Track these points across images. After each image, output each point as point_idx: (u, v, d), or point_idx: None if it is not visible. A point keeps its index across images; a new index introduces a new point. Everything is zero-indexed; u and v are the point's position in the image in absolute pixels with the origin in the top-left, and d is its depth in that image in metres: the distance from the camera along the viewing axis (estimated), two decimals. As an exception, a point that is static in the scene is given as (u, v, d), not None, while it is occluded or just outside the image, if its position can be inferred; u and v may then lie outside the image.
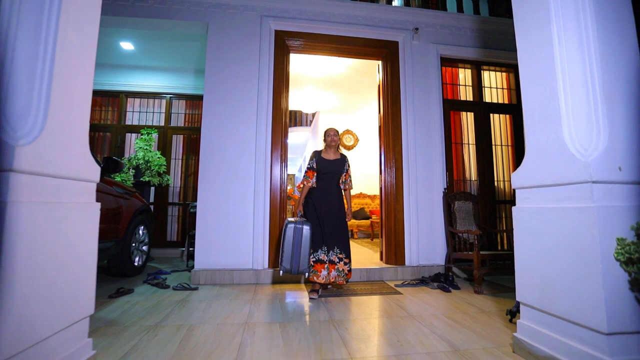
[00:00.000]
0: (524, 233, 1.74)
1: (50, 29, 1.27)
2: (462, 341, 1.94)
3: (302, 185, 3.13)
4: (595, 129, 1.45)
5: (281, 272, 2.79)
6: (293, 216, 3.13)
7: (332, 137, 3.13)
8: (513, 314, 2.20)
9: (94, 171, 1.55)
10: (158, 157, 4.90)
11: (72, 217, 1.39)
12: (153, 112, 5.69)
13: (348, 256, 2.98)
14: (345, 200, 3.17)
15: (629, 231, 1.35)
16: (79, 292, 1.43)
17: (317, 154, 3.16)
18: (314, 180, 3.10)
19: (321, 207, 3.00)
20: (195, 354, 1.73)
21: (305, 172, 3.14)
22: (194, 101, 5.76)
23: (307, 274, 2.83)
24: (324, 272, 2.86)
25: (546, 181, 1.60)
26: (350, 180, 3.22)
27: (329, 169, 3.09)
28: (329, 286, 3.22)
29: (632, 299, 1.33)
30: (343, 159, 3.18)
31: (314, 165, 3.11)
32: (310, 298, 2.86)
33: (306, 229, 2.84)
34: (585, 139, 1.47)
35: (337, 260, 2.91)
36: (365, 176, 8.35)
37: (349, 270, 2.97)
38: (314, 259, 2.90)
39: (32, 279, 1.16)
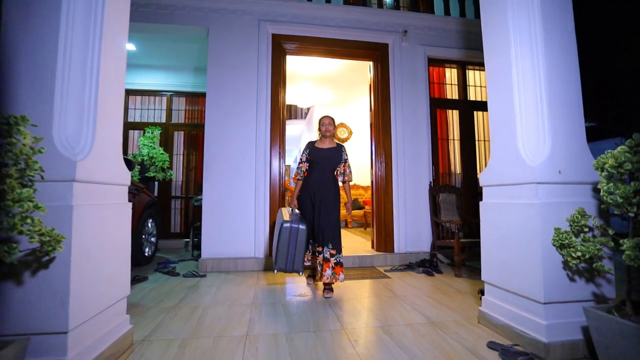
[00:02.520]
0: (488, 223, 2.08)
1: (94, 61, 1.54)
2: (438, 315, 2.29)
3: (296, 178, 3.04)
4: (541, 139, 1.78)
5: (275, 270, 2.78)
6: (289, 206, 3.09)
7: (327, 127, 2.97)
8: (484, 293, 2.55)
9: (126, 176, 1.84)
10: (161, 154, 5.15)
11: (112, 215, 1.68)
12: (154, 109, 5.91)
13: (339, 251, 2.83)
14: (345, 193, 3.08)
15: (564, 222, 1.68)
16: (119, 276, 1.74)
17: (310, 144, 3.03)
18: (305, 172, 3.00)
19: (315, 200, 2.88)
20: (212, 328, 2.06)
21: (299, 164, 3.04)
22: (194, 98, 5.98)
23: (300, 272, 2.81)
24: (318, 268, 2.85)
25: (504, 181, 1.93)
26: (350, 172, 3.02)
27: (323, 158, 2.94)
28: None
29: (564, 276, 1.67)
30: (339, 148, 3.00)
31: (307, 157, 2.99)
32: (307, 283, 3.15)
33: (302, 229, 2.77)
34: (533, 148, 1.79)
35: (329, 257, 2.79)
36: (358, 168, 8.64)
37: (337, 264, 2.80)
38: (311, 253, 2.99)
39: (90, 267, 1.46)
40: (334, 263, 2.80)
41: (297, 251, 2.77)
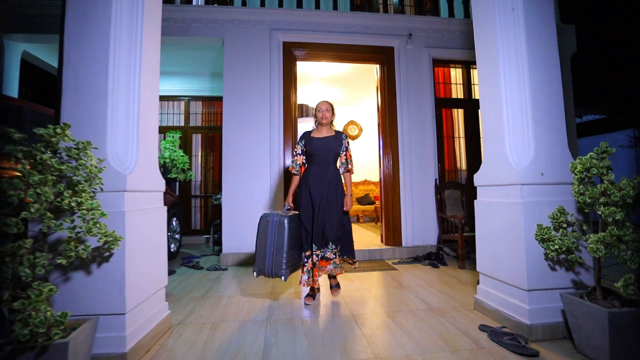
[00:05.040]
0: (481, 220, 2.30)
1: (135, 90, 1.83)
2: (438, 302, 2.53)
3: (292, 173, 2.70)
4: (526, 144, 1.98)
5: (255, 273, 2.42)
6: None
7: (324, 113, 2.63)
8: (481, 282, 2.77)
9: (162, 183, 2.14)
10: (182, 156, 5.49)
11: (152, 218, 1.99)
12: (173, 114, 6.26)
13: (348, 252, 2.63)
14: (345, 185, 2.69)
15: (547, 219, 1.90)
16: (158, 269, 2.04)
17: (306, 134, 2.68)
18: (301, 165, 2.66)
19: (314, 198, 2.53)
20: (237, 314, 2.36)
21: (293, 157, 2.68)
22: (210, 102, 6.31)
23: (283, 278, 2.36)
24: (304, 277, 2.54)
25: (494, 182, 2.15)
26: (351, 162, 2.67)
27: (322, 148, 2.58)
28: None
29: (545, 266, 1.89)
30: (338, 136, 2.66)
31: (303, 148, 2.65)
32: (305, 304, 2.54)
33: (282, 222, 2.39)
34: (519, 152, 2.00)
35: (333, 256, 2.49)
36: (369, 163, 8.85)
37: (346, 260, 2.66)
38: (312, 261, 2.51)
39: (138, 261, 1.76)
40: (340, 262, 2.54)
41: (275, 248, 2.35)
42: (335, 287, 2.72)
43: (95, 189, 1.50)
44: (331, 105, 2.70)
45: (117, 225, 1.61)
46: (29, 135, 1.46)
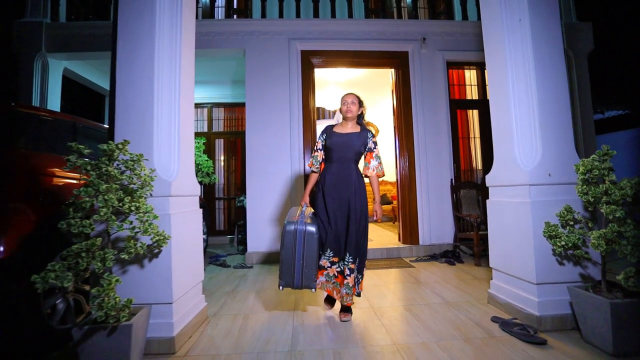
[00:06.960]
0: (493, 218, 2.43)
1: (176, 106, 2.07)
2: (453, 297, 2.67)
3: (311, 170, 2.46)
4: (534, 148, 2.11)
5: (280, 287, 2.21)
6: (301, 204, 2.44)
7: (348, 106, 2.35)
8: (496, 278, 2.88)
9: (198, 188, 2.38)
10: (206, 160, 5.80)
11: (192, 219, 2.23)
12: (197, 120, 6.59)
13: (361, 265, 2.30)
14: (372, 190, 2.47)
15: (554, 217, 2.02)
16: (197, 265, 2.28)
17: (328, 128, 2.43)
18: (322, 162, 2.44)
19: (332, 199, 2.28)
20: (266, 306, 2.58)
21: (313, 152, 2.46)
22: (232, 108, 6.61)
23: (313, 289, 2.21)
24: (322, 278, 2.26)
25: (504, 182, 2.28)
26: (379, 164, 2.40)
27: (341, 145, 2.31)
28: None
29: (553, 261, 2.01)
30: (363, 133, 2.36)
31: (324, 143, 2.40)
32: (325, 305, 2.50)
33: (310, 231, 2.19)
34: (527, 155, 2.13)
35: (348, 273, 2.22)
36: (386, 164, 8.79)
37: (361, 279, 2.32)
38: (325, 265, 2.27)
39: (181, 257, 2.00)
40: (354, 283, 2.24)
41: (305, 262, 2.18)
42: (345, 311, 2.30)
43: (146, 194, 1.75)
44: (358, 98, 2.40)
45: (164, 226, 1.85)
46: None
